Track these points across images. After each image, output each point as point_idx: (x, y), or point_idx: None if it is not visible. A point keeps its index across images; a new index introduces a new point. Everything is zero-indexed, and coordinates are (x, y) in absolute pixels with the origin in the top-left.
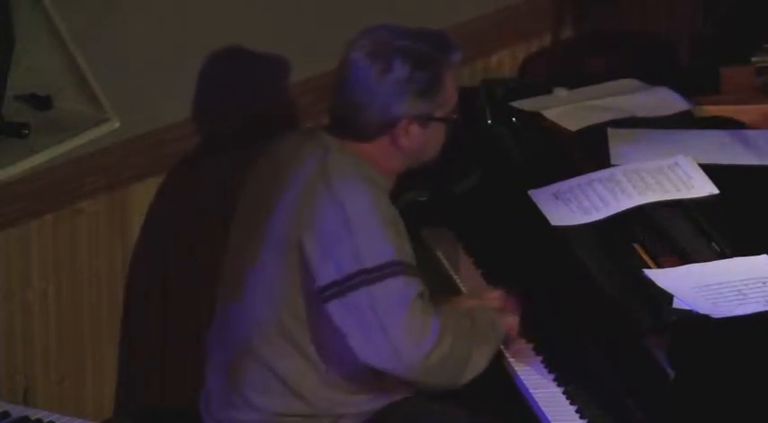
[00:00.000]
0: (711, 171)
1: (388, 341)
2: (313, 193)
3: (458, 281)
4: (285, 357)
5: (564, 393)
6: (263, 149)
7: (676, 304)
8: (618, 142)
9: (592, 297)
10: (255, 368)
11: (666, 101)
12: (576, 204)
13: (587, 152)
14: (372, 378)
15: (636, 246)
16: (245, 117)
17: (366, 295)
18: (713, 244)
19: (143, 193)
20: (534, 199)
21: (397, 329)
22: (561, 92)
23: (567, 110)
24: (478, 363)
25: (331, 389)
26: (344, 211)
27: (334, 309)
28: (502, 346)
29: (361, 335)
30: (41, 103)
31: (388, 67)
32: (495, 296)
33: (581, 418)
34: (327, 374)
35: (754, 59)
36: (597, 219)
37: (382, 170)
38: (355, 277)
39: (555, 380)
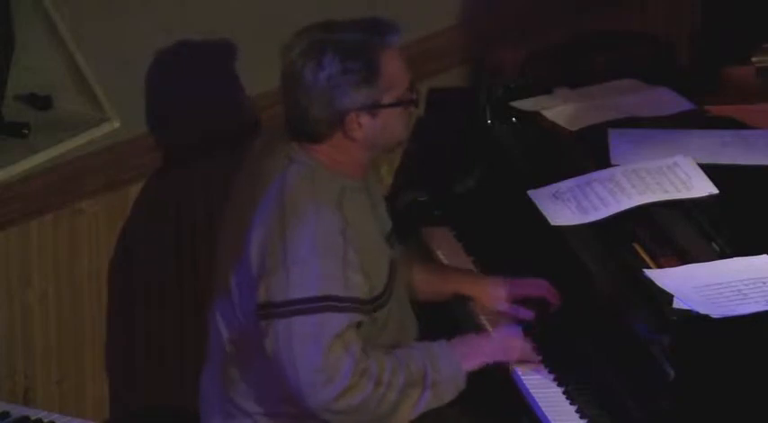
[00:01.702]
0: (711, 171)
1: (296, 377)
2: (272, 211)
3: None
4: (262, 364)
5: (564, 393)
6: (241, 162)
7: (676, 304)
8: (618, 142)
9: (592, 297)
10: (240, 374)
11: (666, 101)
12: (576, 204)
13: (587, 152)
14: None
15: (636, 246)
16: (245, 117)
17: (285, 327)
18: (713, 244)
19: (143, 193)
20: (534, 199)
21: (307, 368)
22: (561, 92)
23: (567, 110)
24: (403, 412)
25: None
26: (285, 236)
27: (261, 329)
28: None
29: (276, 362)
30: (41, 103)
31: (319, 65)
32: (541, 284)
33: (581, 418)
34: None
35: (754, 59)
36: (597, 219)
37: (348, 169)
38: (280, 306)
39: (555, 380)
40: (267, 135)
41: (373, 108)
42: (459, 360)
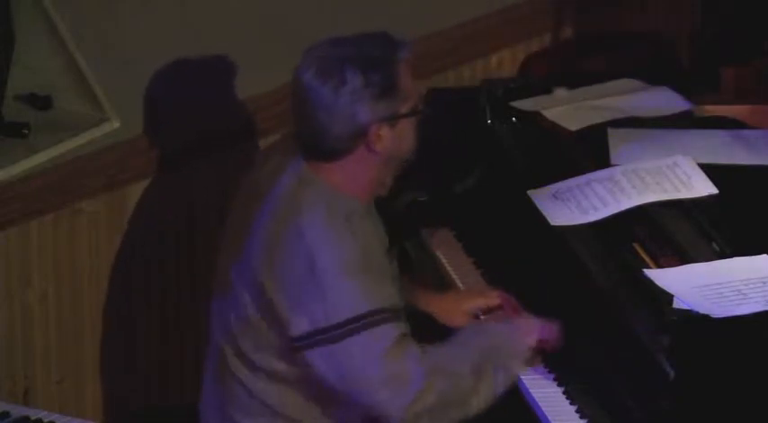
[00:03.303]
0: (711, 171)
1: (369, 394)
2: (284, 236)
3: (458, 281)
4: (259, 381)
5: (564, 393)
6: (249, 170)
7: (676, 304)
8: (618, 142)
9: (592, 297)
10: (237, 388)
11: (666, 101)
12: (576, 204)
13: (587, 152)
14: None
15: (636, 246)
16: (245, 117)
17: (340, 349)
18: (713, 244)
19: (143, 194)
20: (534, 199)
21: (376, 384)
22: (561, 92)
23: (567, 110)
24: (484, 394)
25: (319, 404)
26: (313, 264)
27: (312, 358)
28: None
29: (344, 385)
30: (41, 103)
31: (342, 80)
32: (494, 295)
33: (581, 418)
34: (312, 392)
35: (754, 59)
36: (596, 219)
37: (359, 189)
38: (330, 331)
39: (555, 380)
40: (275, 145)
41: (392, 119)
42: (517, 333)
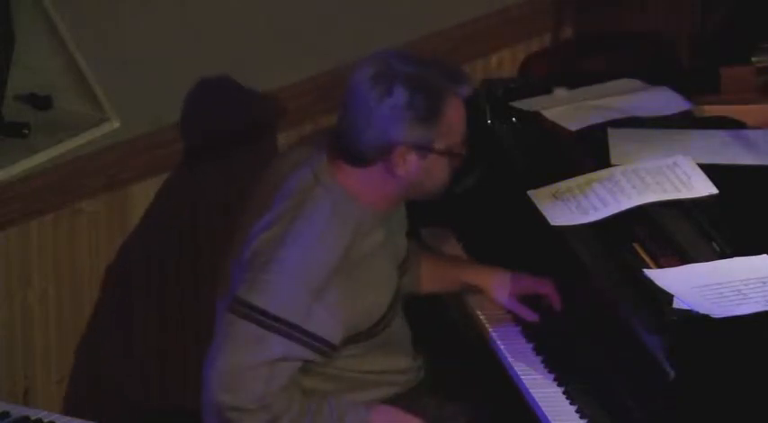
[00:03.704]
0: (711, 171)
1: (209, 368)
2: (279, 219)
3: None
4: None
5: (564, 393)
6: (271, 161)
7: (676, 304)
8: (618, 142)
9: (592, 297)
10: None
11: (666, 101)
12: (576, 204)
13: (587, 152)
14: (357, 376)
15: (636, 246)
16: (245, 117)
17: (229, 322)
18: (713, 244)
19: (143, 193)
20: (534, 199)
21: (222, 367)
22: (561, 92)
23: (567, 110)
24: None
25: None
26: (280, 245)
27: (219, 318)
28: (502, 346)
29: (211, 347)
30: (41, 103)
31: (388, 92)
32: (544, 283)
33: (581, 418)
34: (308, 384)
35: (754, 59)
36: (596, 219)
37: (373, 200)
38: (237, 303)
39: (555, 380)
40: (300, 142)
41: (423, 149)
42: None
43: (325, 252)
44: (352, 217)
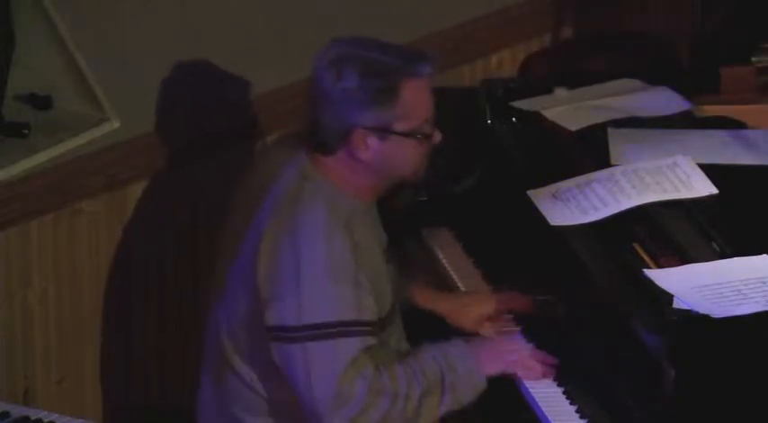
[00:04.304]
0: (711, 171)
1: (312, 401)
2: (281, 229)
3: (458, 281)
4: (261, 377)
5: (564, 393)
6: (250, 165)
7: (676, 304)
8: (618, 142)
9: (591, 297)
10: (237, 384)
11: (666, 101)
12: (575, 204)
13: (587, 152)
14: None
15: (636, 246)
16: (245, 117)
17: (300, 352)
18: (713, 244)
19: (143, 193)
20: (534, 199)
21: (323, 393)
22: (561, 92)
23: (567, 110)
24: (427, 416)
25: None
26: (298, 260)
27: (274, 352)
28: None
29: (293, 384)
30: (41, 103)
31: (340, 75)
32: (504, 299)
33: (581, 418)
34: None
35: (754, 59)
36: (596, 219)
37: (356, 190)
38: (293, 331)
39: (555, 380)
40: (277, 141)
41: (382, 131)
42: (477, 362)
43: (339, 245)
44: (344, 208)
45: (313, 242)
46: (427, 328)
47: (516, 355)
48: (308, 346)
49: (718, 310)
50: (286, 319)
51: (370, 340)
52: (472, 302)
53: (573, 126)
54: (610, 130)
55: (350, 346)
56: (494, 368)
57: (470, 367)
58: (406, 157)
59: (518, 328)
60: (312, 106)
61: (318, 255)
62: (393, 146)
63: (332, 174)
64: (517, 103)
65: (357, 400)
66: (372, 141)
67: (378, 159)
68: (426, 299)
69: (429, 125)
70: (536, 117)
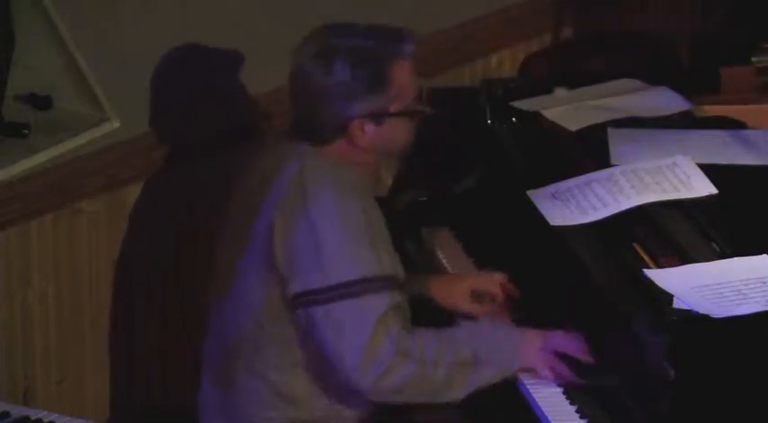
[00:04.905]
0: (711, 171)
1: (342, 362)
2: (289, 203)
3: None
4: (275, 366)
5: (564, 393)
6: (246, 161)
7: (676, 304)
8: (618, 142)
9: (592, 297)
10: (248, 378)
11: (666, 101)
12: (575, 204)
13: (587, 152)
14: None
15: (636, 246)
16: (245, 117)
17: (325, 313)
18: (713, 244)
19: (143, 193)
20: (534, 199)
21: (351, 353)
22: (561, 92)
23: (567, 110)
24: (455, 391)
25: (327, 396)
26: (314, 226)
27: (301, 317)
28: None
29: (322, 348)
30: (41, 103)
31: (329, 70)
32: (496, 280)
33: (581, 418)
34: (320, 381)
35: (754, 59)
36: (596, 219)
37: (356, 167)
38: (318, 293)
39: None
40: (271, 137)
41: (379, 116)
42: (510, 348)
43: (351, 206)
44: (349, 178)
45: (325, 210)
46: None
47: (547, 358)
48: (334, 307)
49: (718, 310)
50: (310, 283)
51: (396, 296)
52: (458, 278)
53: (573, 126)
54: (610, 130)
55: (376, 303)
56: (525, 362)
57: (503, 353)
58: (401, 135)
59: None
60: (302, 102)
61: (332, 220)
62: (389, 127)
63: (331, 153)
64: (517, 103)
65: (385, 357)
66: (369, 127)
67: (376, 142)
68: (422, 284)
69: (419, 101)
70: (536, 117)
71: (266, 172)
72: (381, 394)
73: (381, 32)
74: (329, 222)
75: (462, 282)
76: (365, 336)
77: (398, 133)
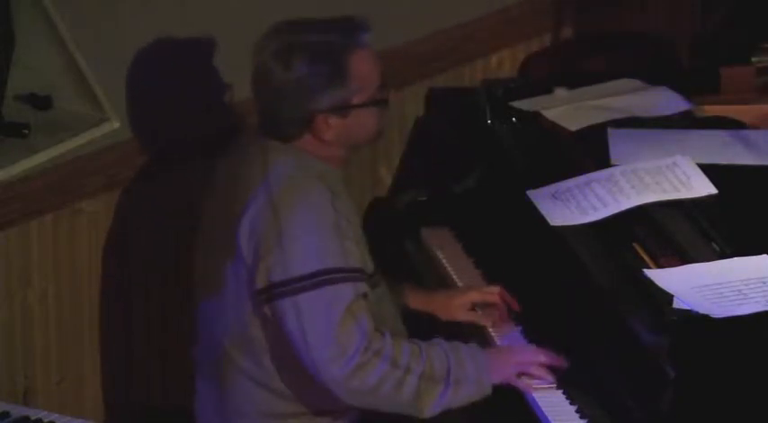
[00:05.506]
0: (711, 171)
1: (309, 355)
2: (257, 200)
3: (457, 281)
4: (265, 364)
5: (564, 393)
6: (217, 161)
7: (676, 304)
8: (618, 142)
9: (591, 297)
10: (239, 377)
11: (666, 101)
12: (575, 205)
13: (587, 152)
14: None
15: (636, 246)
16: (245, 116)
17: (291, 305)
18: (713, 244)
19: (143, 193)
20: (533, 199)
21: (319, 344)
22: (561, 92)
23: (567, 110)
24: (428, 406)
25: (317, 390)
26: (278, 219)
27: (269, 312)
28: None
29: (290, 341)
30: (41, 103)
31: (289, 66)
32: (492, 291)
33: (581, 418)
34: (308, 376)
35: (754, 59)
36: (596, 219)
37: (325, 160)
38: (282, 286)
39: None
40: (242, 137)
41: (343, 109)
42: (487, 366)
43: (317, 193)
44: (315, 168)
45: (289, 196)
46: (428, 331)
47: (527, 368)
48: (299, 299)
49: (718, 310)
50: (274, 275)
51: (362, 287)
52: (457, 292)
53: (573, 126)
54: (610, 130)
55: (342, 293)
56: (501, 376)
57: (480, 369)
58: (368, 125)
59: (518, 328)
60: (265, 99)
61: (296, 207)
62: (354, 119)
63: (299, 153)
64: (517, 103)
65: (354, 352)
66: (334, 121)
67: (342, 134)
68: (417, 300)
69: (383, 89)
70: (536, 117)
71: (236, 170)
72: (352, 394)
73: (337, 25)
74: (296, 216)
75: (462, 296)
76: (333, 326)
77: (364, 124)
